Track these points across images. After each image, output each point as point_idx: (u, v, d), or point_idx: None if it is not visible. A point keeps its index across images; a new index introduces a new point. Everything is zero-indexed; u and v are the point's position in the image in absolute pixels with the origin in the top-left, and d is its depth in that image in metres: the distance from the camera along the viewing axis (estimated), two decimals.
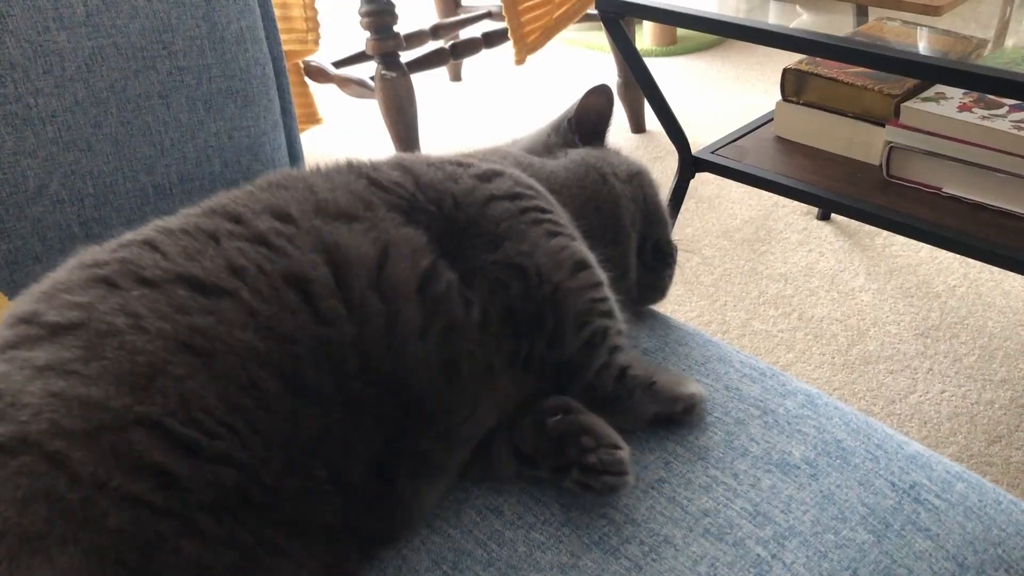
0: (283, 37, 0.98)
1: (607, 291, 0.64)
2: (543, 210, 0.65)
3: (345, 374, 0.53)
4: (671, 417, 0.65)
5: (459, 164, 0.66)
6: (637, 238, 0.75)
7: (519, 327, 0.61)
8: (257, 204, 0.59)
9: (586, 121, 0.78)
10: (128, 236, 0.58)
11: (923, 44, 1.35)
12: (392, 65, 1.82)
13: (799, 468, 0.63)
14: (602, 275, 0.65)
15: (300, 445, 0.51)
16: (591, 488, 0.59)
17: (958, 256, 1.67)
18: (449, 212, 0.62)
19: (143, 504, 0.45)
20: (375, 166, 0.65)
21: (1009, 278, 1.64)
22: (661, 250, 0.79)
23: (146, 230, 0.58)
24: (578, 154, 0.75)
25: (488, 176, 0.65)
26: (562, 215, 0.66)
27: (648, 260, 0.78)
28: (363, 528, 0.55)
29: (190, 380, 0.49)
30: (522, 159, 0.73)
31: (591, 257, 0.65)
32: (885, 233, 1.77)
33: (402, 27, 1.85)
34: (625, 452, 0.59)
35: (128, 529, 0.45)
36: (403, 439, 0.56)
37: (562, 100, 0.87)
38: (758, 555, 0.57)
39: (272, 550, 0.50)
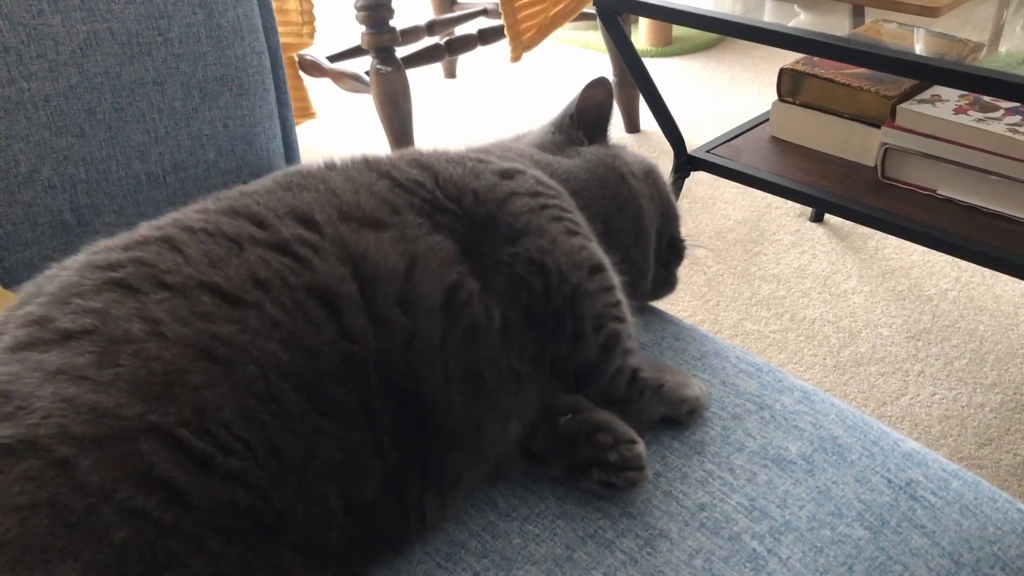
0: (278, 30, 0.97)
1: (620, 295, 0.64)
2: (563, 208, 0.64)
3: (367, 391, 0.52)
4: (677, 419, 0.65)
5: (479, 160, 0.65)
6: (655, 236, 0.75)
7: (541, 331, 0.60)
8: (280, 206, 0.56)
9: (587, 116, 0.77)
10: (144, 230, 0.56)
11: (919, 46, 1.36)
12: (387, 60, 1.82)
13: (795, 464, 0.62)
14: (615, 278, 0.64)
15: (316, 468, 0.49)
16: (613, 486, 0.59)
17: (950, 259, 1.68)
18: (469, 208, 0.61)
19: (149, 520, 0.44)
20: (393, 163, 0.63)
21: (1000, 282, 1.65)
22: (674, 246, 0.79)
23: (165, 224, 0.56)
24: (592, 153, 0.74)
25: (509, 173, 0.64)
26: (580, 217, 0.66)
27: (663, 257, 0.77)
28: (373, 547, 0.54)
29: (207, 390, 0.47)
30: (539, 158, 0.72)
31: (606, 260, 0.64)
32: (878, 236, 1.78)
33: (398, 22, 1.84)
34: (641, 446, 0.59)
35: (132, 545, 0.43)
36: (431, 460, 0.54)
37: (557, 99, 0.87)
38: (754, 550, 0.57)
39: (281, 572, 0.49)
